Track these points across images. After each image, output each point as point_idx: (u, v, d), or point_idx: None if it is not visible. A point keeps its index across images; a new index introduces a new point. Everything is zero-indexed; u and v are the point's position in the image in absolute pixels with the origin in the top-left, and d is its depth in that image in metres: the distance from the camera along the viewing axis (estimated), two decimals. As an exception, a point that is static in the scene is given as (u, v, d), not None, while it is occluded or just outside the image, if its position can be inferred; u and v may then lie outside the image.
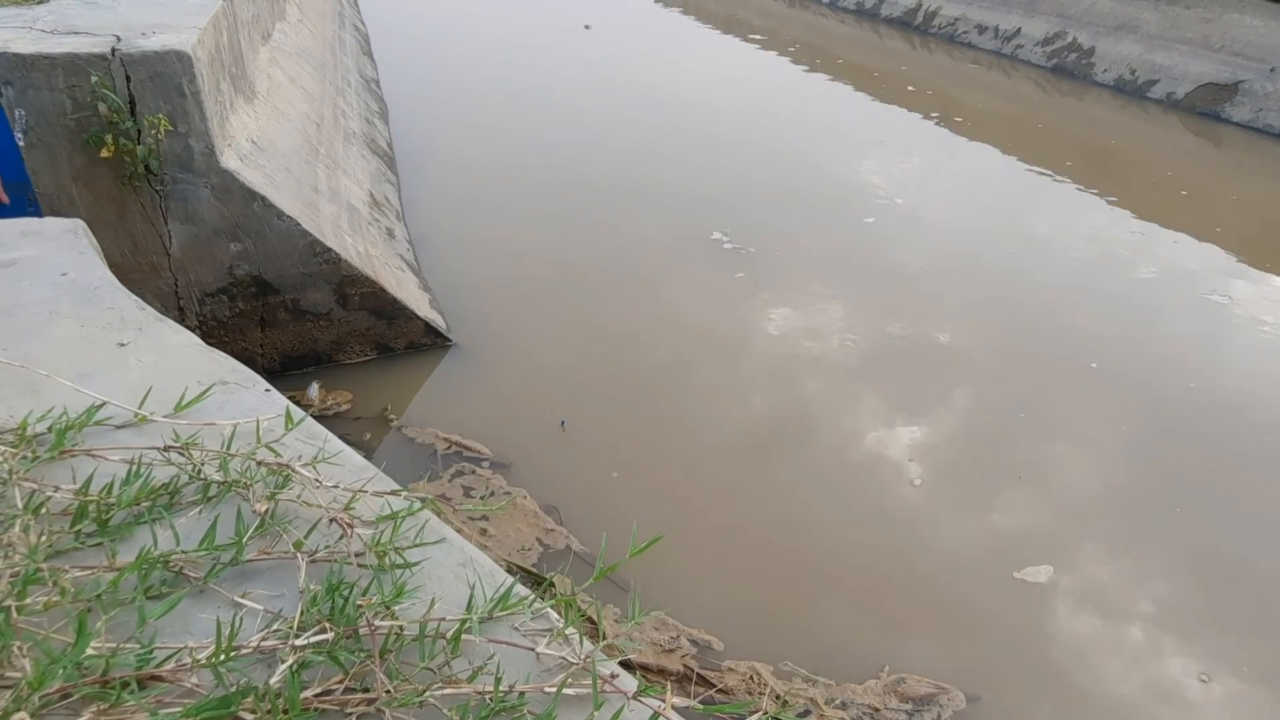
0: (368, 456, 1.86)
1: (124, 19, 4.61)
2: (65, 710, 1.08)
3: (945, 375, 5.93)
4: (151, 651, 1.17)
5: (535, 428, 5.06)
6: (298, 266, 5.02)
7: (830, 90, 13.75)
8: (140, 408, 1.74)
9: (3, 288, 2.22)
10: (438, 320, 5.83)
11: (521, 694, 1.20)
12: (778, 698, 3.49)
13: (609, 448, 4.95)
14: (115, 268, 2.51)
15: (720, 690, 3.50)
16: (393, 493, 1.60)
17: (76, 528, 1.40)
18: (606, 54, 14.90)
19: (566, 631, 1.35)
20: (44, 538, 1.35)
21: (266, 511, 1.47)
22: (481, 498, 4.44)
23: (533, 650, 1.30)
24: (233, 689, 1.12)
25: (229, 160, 4.63)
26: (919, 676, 3.67)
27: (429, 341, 5.69)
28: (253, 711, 1.10)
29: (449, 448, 4.82)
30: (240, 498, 1.53)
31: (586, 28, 15.70)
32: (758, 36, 16.29)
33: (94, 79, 4.06)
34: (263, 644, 1.22)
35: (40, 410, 1.68)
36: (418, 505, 1.56)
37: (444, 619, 1.30)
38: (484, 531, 4.22)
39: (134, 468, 1.53)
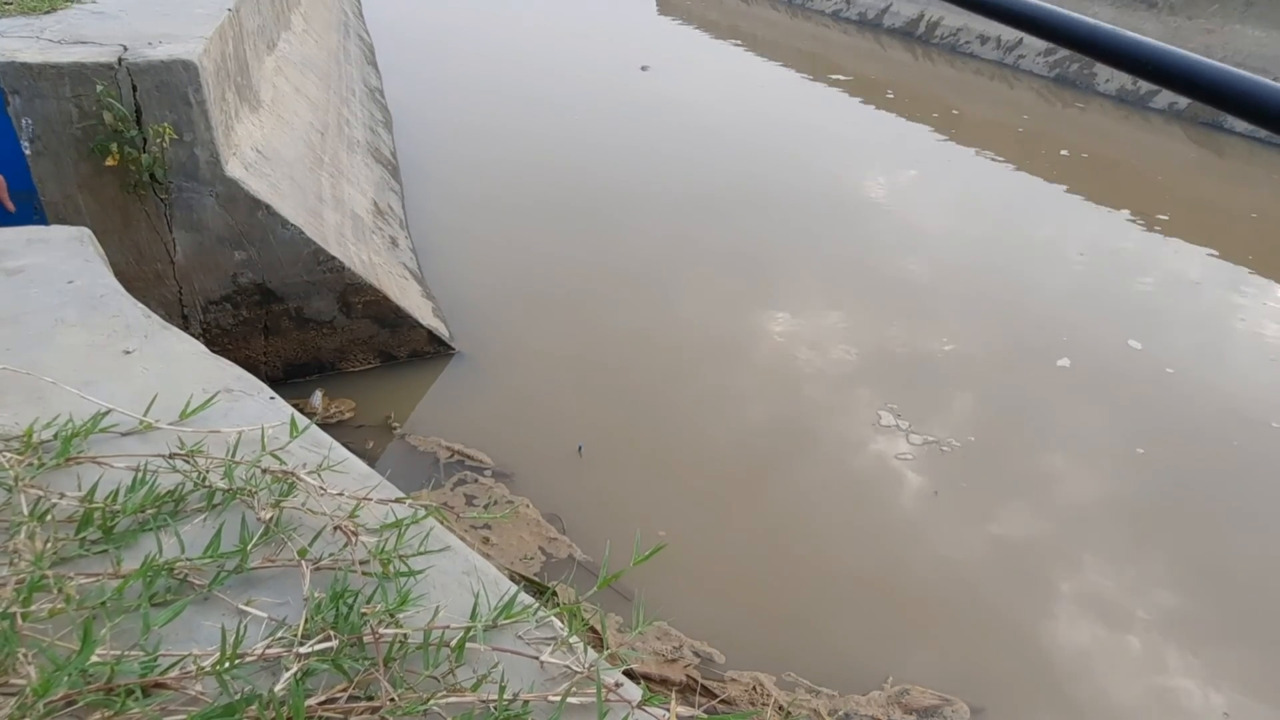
0: (371, 464, 1.86)
1: (131, 29, 4.64)
2: (69, 717, 1.08)
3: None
4: (156, 659, 1.17)
5: (538, 437, 5.06)
6: (301, 275, 5.04)
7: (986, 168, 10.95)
8: (145, 415, 1.74)
9: (9, 295, 2.23)
10: (441, 329, 5.84)
11: (526, 702, 1.20)
12: (781, 708, 3.47)
13: (612, 457, 4.95)
14: (120, 275, 2.52)
15: (723, 700, 3.48)
16: (396, 500, 1.60)
17: (81, 535, 1.40)
18: (654, 86, 13.57)
19: (570, 640, 1.35)
20: (49, 545, 1.35)
21: (271, 519, 1.47)
22: (484, 506, 4.44)
23: (537, 659, 1.30)
24: (237, 697, 1.12)
25: (234, 169, 4.65)
26: (923, 688, 3.66)
27: (432, 350, 5.69)
28: (257, 719, 1.10)
29: (451, 456, 4.82)
30: (245, 505, 1.53)
31: (644, 69, 14.25)
32: (841, 77, 14.83)
33: (99, 88, 4.08)
34: (267, 652, 1.21)
35: (46, 417, 1.68)
36: (422, 513, 1.56)
37: (448, 627, 1.30)
38: (486, 540, 4.21)
39: (139, 475, 1.53)
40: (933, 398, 5.69)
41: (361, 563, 1.41)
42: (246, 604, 1.32)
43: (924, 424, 5.39)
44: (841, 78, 14.82)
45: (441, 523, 1.64)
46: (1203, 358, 6.52)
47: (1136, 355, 6.38)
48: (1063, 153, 11.34)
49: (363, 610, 1.28)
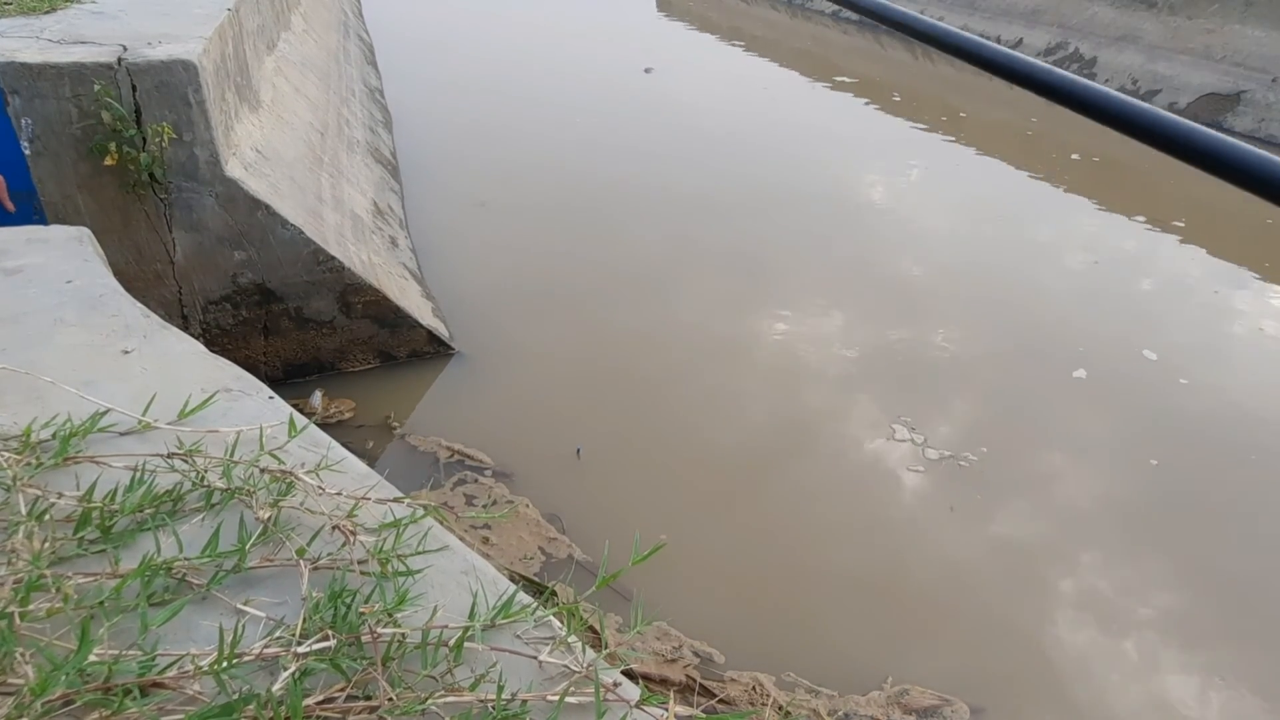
0: (370, 464, 1.86)
1: (131, 29, 4.64)
2: (67, 717, 1.08)
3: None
4: (154, 658, 1.16)
5: (538, 437, 5.06)
6: (301, 275, 5.04)
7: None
8: (144, 415, 1.74)
9: (8, 295, 2.23)
10: (440, 329, 5.84)
11: (524, 702, 1.20)
12: (780, 709, 3.47)
13: (612, 457, 4.94)
14: (120, 275, 2.52)
15: (722, 700, 3.48)
16: (395, 500, 1.60)
17: (79, 534, 1.40)
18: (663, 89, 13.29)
19: (569, 640, 1.35)
20: (47, 544, 1.35)
21: (269, 519, 1.47)
22: (484, 506, 4.43)
23: (535, 658, 1.30)
24: (235, 696, 1.12)
25: (234, 169, 4.64)
26: (922, 688, 3.66)
27: (432, 350, 5.69)
28: (255, 719, 1.10)
29: (451, 456, 4.82)
30: (243, 505, 1.52)
31: (647, 71, 14.17)
32: (845, 79, 14.68)
33: (97, 87, 4.08)
34: (265, 651, 1.21)
35: (44, 417, 1.68)
36: (420, 513, 1.56)
37: (446, 626, 1.29)
38: (486, 540, 4.21)
39: (137, 475, 1.52)
40: (947, 409, 5.65)
41: (360, 562, 1.41)
42: (244, 603, 1.32)
43: (939, 436, 5.32)
44: (846, 79, 14.77)
45: (440, 522, 1.64)
46: (1218, 368, 6.43)
47: (1151, 366, 6.31)
48: (1074, 156, 11.27)
49: (361, 610, 1.28)
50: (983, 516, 4.69)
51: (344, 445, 1.83)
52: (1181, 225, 9.06)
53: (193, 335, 2.87)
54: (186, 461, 1.60)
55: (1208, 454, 5.41)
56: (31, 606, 1.22)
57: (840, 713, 3.51)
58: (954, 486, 4.88)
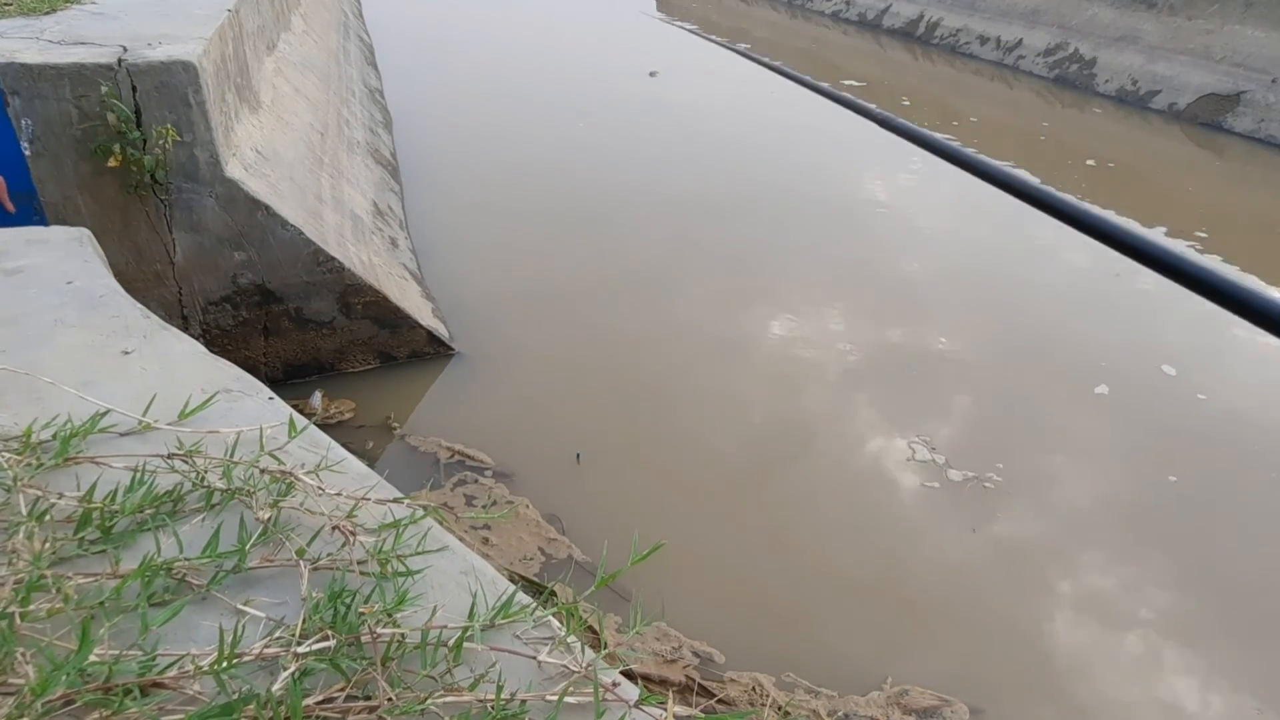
0: (370, 465, 1.86)
1: (131, 29, 4.64)
2: (68, 716, 1.08)
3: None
4: (154, 658, 1.17)
5: (538, 437, 5.06)
6: (301, 275, 5.04)
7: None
8: (144, 415, 1.74)
9: (8, 295, 2.23)
10: (440, 329, 5.84)
11: (523, 702, 1.20)
12: (780, 709, 3.47)
13: (612, 458, 4.94)
14: (120, 276, 2.52)
15: (722, 701, 3.48)
16: (395, 500, 1.60)
17: (80, 535, 1.40)
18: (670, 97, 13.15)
19: (568, 640, 1.35)
20: (47, 545, 1.35)
21: (269, 519, 1.47)
22: (484, 506, 4.44)
23: (534, 658, 1.30)
24: (235, 696, 1.12)
25: (234, 170, 4.65)
26: (922, 688, 3.66)
27: (432, 350, 5.70)
28: (255, 719, 1.10)
29: (451, 456, 4.83)
30: (243, 505, 1.53)
31: (652, 74, 14.12)
32: (853, 81, 14.46)
33: (104, 89, 4.08)
34: (265, 651, 1.22)
35: (45, 418, 1.68)
36: (420, 513, 1.56)
37: (446, 627, 1.30)
38: (486, 540, 4.21)
39: (137, 475, 1.53)
40: (965, 424, 5.60)
41: (359, 562, 1.41)
42: (244, 604, 1.33)
43: (945, 443, 5.27)
44: (853, 82, 14.75)
45: (440, 523, 1.64)
46: (1236, 384, 6.30)
47: (1170, 381, 6.21)
48: (1089, 162, 11.17)
49: (360, 610, 1.28)
50: (989, 519, 4.69)
51: (344, 446, 1.83)
52: (1204, 235, 8.90)
53: (193, 336, 2.87)
54: (186, 462, 1.60)
55: (1227, 470, 5.32)
56: (32, 607, 1.22)
57: (840, 713, 3.52)
58: (957, 491, 4.88)
